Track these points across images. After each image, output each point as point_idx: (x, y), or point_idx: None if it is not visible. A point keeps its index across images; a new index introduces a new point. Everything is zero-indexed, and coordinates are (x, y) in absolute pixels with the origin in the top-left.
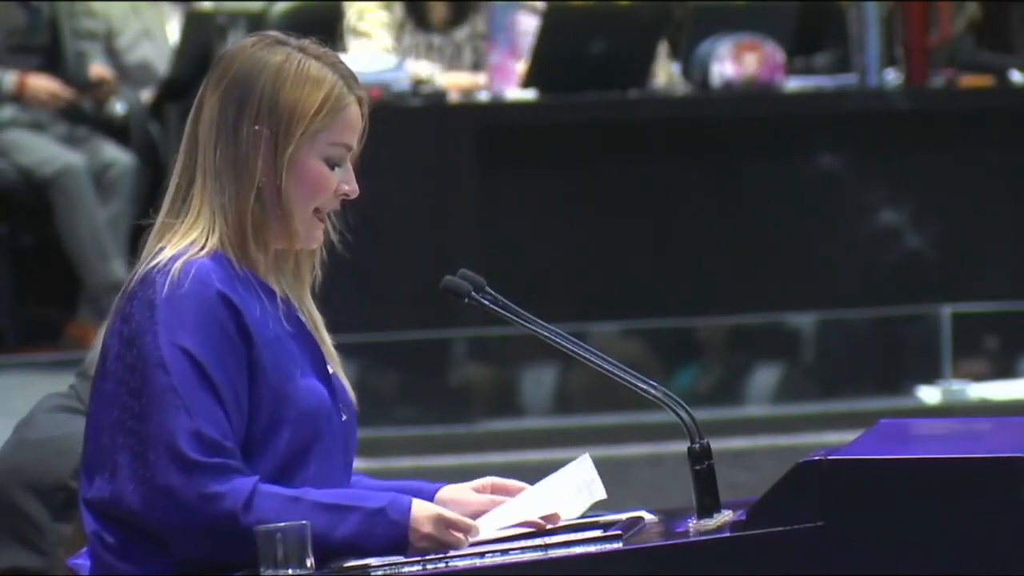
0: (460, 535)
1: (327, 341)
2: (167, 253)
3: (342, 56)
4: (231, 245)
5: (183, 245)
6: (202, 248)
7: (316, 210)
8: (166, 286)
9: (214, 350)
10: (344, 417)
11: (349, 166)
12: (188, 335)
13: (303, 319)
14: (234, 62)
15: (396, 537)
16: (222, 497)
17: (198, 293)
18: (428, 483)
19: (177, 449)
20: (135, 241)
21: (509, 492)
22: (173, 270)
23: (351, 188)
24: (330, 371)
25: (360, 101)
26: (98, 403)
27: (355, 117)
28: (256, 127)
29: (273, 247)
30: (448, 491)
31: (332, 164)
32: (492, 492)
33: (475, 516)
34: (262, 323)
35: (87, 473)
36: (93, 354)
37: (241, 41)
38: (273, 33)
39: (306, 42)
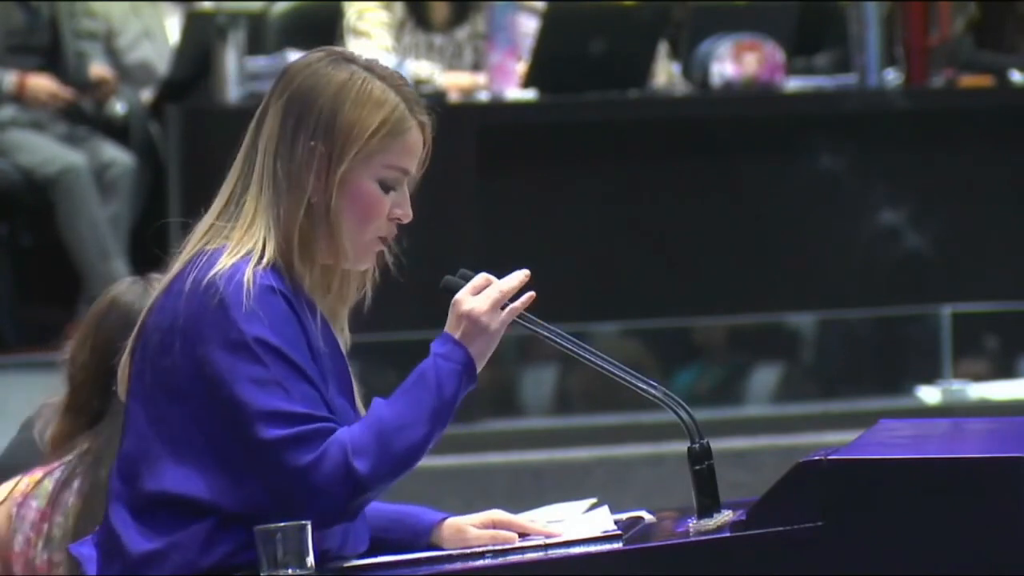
0: (488, 290)
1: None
2: (228, 261)
3: None
4: (282, 258)
5: (241, 255)
6: (260, 259)
7: (376, 236)
8: (236, 286)
9: (293, 344)
10: None
11: (405, 190)
12: (269, 331)
13: (338, 339)
14: (299, 75)
15: (461, 358)
16: (326, 457)
17: (268, 293)
18: (431, 511)
19: (278, 435)
20: (135, 241)
21: (512, 528)
22: (239, 274)
23: (404, 213)
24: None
25: (423, 127)
26: (144, 401)
27: (415, 142)
28: (312, 143)
29: (319, 263)
30: (450, 524)
31: (387, 187)
32: (494, 527)
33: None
34: (312, 335)
35: (145, 467)
36: None
37: (308, 55)
38: (341, 49)
39: (374, 62)
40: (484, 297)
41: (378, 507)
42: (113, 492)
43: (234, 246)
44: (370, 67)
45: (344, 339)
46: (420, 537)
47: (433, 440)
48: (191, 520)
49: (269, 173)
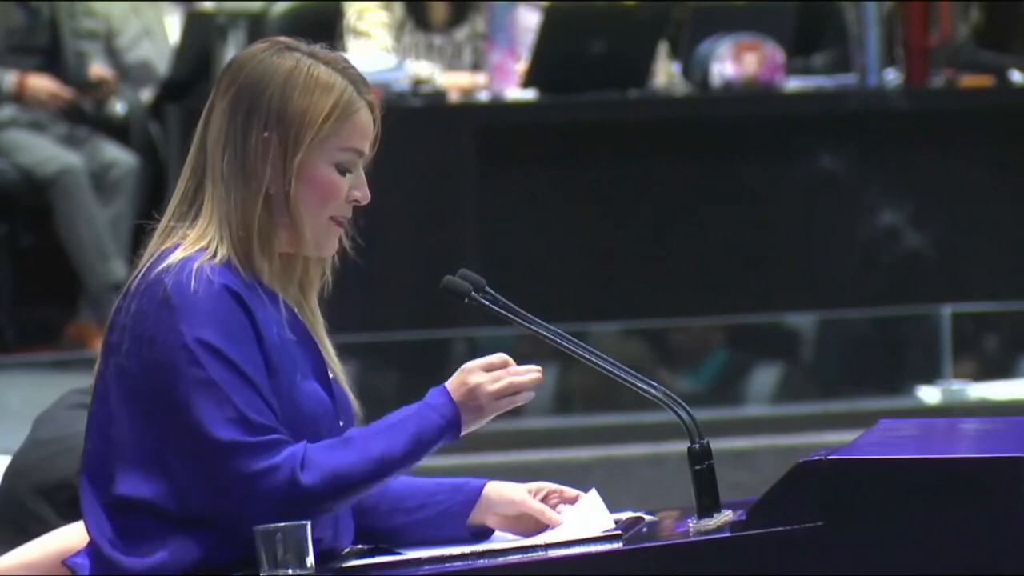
0: (500, 373)
1: (328, 347)
2: (178, 256)
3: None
4: (237, 253)
5: (194, 251)
6: (214, 256)
7: (331, 217)
8: (181, 284)
9: (238, 344)
10: (342, 423)
11: (360, 172)
12: (211, 331)
13: (306, 324)
14: (244, 68)
15: (450, 415)
16: (278, 468)
17: (214, 292)
18: (473, 479)
19: (225, 438)
20: (136, 241)
21: (564, 498)
22: (186, 271)
23: (362, 194)
24: (330, 376)
25: (371, 106)
26: (104, 402)
27: (365, 122)
28: (265, 134)
29: (279, 253)
30: (495, 486)
31: (343, 170)
32: (544, 499)
33: (522, 517)
34: (268, 327)
35: (107, 470)
36: None
37: (251, 47)
38: (284, 39)
39: (316, 47)
40: (494, 380)
41: (424, 481)
42: (83, 494)
43: (188, 244)
44: (313, 53)
45: (319, 325)
46: (469, 502)
47: (393, 474)
48: (153, 523)
49: (219, 169)
